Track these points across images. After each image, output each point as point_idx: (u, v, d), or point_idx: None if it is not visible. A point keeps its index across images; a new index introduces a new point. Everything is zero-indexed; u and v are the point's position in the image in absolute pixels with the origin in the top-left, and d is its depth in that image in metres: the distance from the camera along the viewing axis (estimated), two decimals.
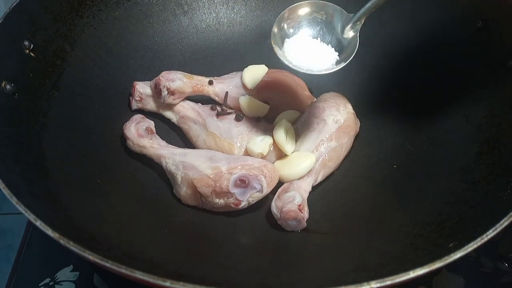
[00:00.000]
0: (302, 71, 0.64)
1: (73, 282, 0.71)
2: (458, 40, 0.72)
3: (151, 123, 0.75)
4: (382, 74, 0.81)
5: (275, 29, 0.66)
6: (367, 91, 0.81)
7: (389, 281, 0.43)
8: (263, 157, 0.69)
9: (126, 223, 0.62)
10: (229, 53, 0.88)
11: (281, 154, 0.71)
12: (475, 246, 0.46)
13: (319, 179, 0.70)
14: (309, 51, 0.65)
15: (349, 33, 0.65)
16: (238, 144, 0.71)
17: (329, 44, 0.66)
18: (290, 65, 0.64)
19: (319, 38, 0.66)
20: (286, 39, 0.66)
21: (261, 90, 0.76)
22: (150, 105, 0.79)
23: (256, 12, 0.90)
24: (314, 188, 0.70)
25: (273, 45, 0.65)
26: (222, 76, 0.80)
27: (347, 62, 0.64)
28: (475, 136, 0.65)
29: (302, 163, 0.68)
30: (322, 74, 0.64)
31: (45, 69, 0.68)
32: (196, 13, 0.88)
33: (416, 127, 0.74)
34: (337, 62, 0.65)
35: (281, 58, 0.65)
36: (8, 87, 0.61)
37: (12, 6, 0.65)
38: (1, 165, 0.53)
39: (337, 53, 0.65)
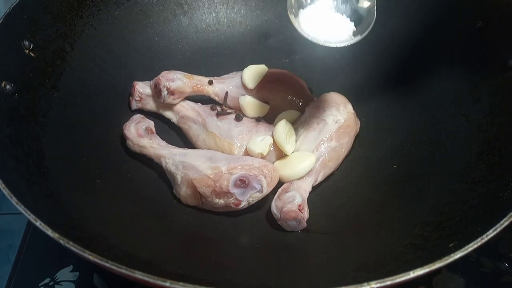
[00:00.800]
0: (320, 43, 0.62)
1: (73, 282, 0.71)
2: (458, 40, 0.72)
3: (151, 123, 0.75)
4: (382, 74, 0.81)
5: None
6: (367, 91, 0.81)
7: (389, 281, 0.43)
8: (263, 157, 0.69)
9: (126, 223, 0.62)
10: (229, 53, 0.88)
11: (281, 154, 0.71)
12: (475, 246, 0.46)
13: (319, 179, 0.70)
14: (325, 21, 0.62)
15: (365, 2, 0.62)
16: (238, 144, 0.71)
17: (344, 14, 0.63)
18: (308, 37, 0.62)
19: (334, 8, 0.63)
20: (301, 10, 0.63)
21: (261, 90, 0.76)
22: (150, 105, 0.79)
23: (256, 12, 0.90)
24: (314, 188, 0.70)
25: (290, 16, 0.62)
26: (222, 76, 0.80)
27: (364, 34, 0.62)
28: (475, 136, 0.65)
29: (302, 163, 0.68)
30: (339, 47, 0.62)
31: (45, 69, 0.68)
32: (196, 13, 0.88)
33: (416, 127, 0.74)
34: (354, 34, 0.63)
35: (298, 30, 0.62)
36: (8, 87, 0.61)
37: (12, 6, 0.65)
38: (1, 165, 0.53)
39: (353, 23, 0.63)
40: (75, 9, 0.74)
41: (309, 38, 0.62)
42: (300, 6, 0.63)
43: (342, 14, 0.63)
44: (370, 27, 0.62)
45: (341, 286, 0.43)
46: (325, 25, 0.62)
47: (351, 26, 0.63)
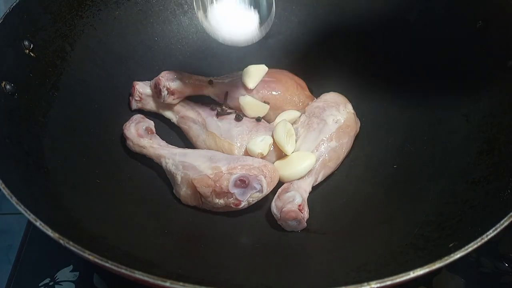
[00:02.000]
0: (232, 44, 0.65)
1: (73, 282, 0.71)
2: (458, 40, 0.72)
3: (151, 123, 0.75)
4: (383, 74, 0.81)
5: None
6: (367, 91, 0.81)
7: (389, 281, 0.43)
8: (263, 157, 0.69)
9: (126, 223, 0.62)
10: (229, 53, 0.87)
11: (281, 154, 0.71)
12: (475, 246, 0.46)
13: (319, 179, 0.70)
14: (233, 18, 0.65)
15: None
16: (238, 144, 0.71)
17: (248, 5, 0.65)
18: (220, 40, 0.65)
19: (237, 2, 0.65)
20: (208, 11, 0.65)
21: (261, 90, 0.76)
22: (150, 105, 0.79)
23: None
24: (314, 188, 0.70)
25: (200, 20, 0.64)
26: (222, 76, 0.80)
27: (269, 25, 0.65)
28: (475, 136, 0.65)
29: (302, 163, 0.68)
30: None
31: (45, 69, 0.68)
32: None
33: (416, 127, 0.74)
34: (260, 26, 0.65)
35: (210, 33, 0.65)
36: (8, 87, 0.61)
37: (12, 6, 0.65)
38: (1, 165, 0.53)
39: (257, 13, 0.65)
40: (75, 9, 0.74)
41: (221, 41, 0.65)
42: (205, 6, 0.65)
43: (246, 6, 0.65)
44: (273, 15, 0.64)
45: (341, 286, 0.43)
46: (233, 23, 0.65)
47: (256, 17, 0.65)
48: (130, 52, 0.82)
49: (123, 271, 0.43)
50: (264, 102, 0.76)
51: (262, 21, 0.65)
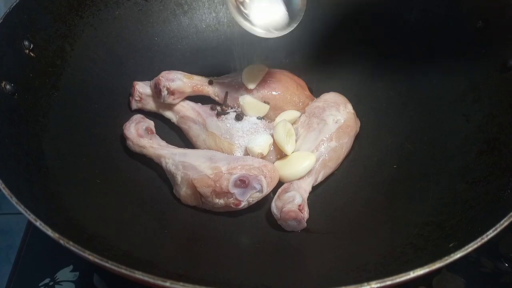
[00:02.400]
0: (263, 35, 0.66)
1: (73, 282, 0.71)
2: (458, 40, 0.72)
3: (151, 123, 0.75)
4: (383, 74, 0.81)
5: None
6: (367, 91, 0.81)
7: (389, 281, 0.43)
8: (263, 157, 0.69)
9: (126, 223, 0.62)
10: (229, 53, 0.87)
11: (281, 154, 0.71)
12: (475, 246, 0.46)
13: (319, 179, 0.70)
14: (265, 11, 0.66)
15: None
16: (238, 144, 0.71)
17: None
18: (257, 34, 0.66)
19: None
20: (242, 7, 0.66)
21: (261, 90, 0.76)
22: (150, 105, 0.79)
23: None
24: (314, 188, 0.70)
25: (232, 13, 0.66)
26: (222, 76, 0.80)
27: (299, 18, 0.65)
28: (475, 136, 0.65)
29: (302, 163, 0.68)
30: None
31: (45, 69, 0.68)
32: (196, 13, 0.88)
33: (416, 127, 0.74)
34: (291, 19, 0.66)
35: (243, 26, 0.66)
36: (8, 87, 0.61)
37: (12, 6, 0.65)
38: (1, 165, 0.53)
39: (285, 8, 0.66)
40: (75, 9, 0.74)
41: (257, 34, 0.66)
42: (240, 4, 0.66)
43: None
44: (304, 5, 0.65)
45: (341, 286, 0.43)
46: (265, 16, 0.66)
47: (284, 11, 0.66)
48: (130, 52, 0.82)
49: (123, 271, 0.44)
50: (264, 102, 0.76)
51: (293, 12, 0.66)
